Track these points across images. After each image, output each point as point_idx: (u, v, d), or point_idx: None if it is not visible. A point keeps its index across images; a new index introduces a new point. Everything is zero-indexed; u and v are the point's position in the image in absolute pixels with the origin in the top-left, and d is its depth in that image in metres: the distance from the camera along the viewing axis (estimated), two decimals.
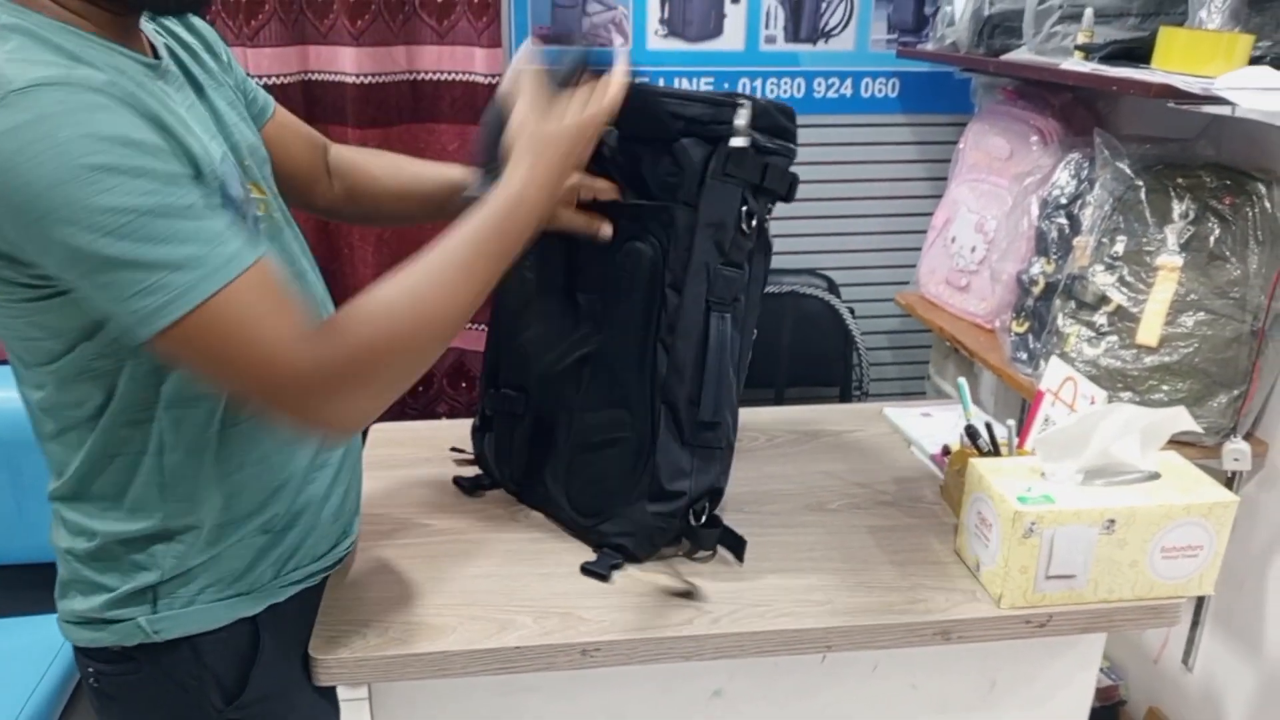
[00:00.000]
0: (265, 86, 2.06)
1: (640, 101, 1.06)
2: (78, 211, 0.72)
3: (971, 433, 1.26)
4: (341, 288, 2.25)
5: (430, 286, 0.87)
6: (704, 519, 1.15)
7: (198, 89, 0.93)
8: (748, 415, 1.60)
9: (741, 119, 1.04)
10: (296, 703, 1.04)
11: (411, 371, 0.88)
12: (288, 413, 0.82)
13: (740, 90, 2.37)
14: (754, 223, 1.09)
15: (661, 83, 2.33)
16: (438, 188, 1.20)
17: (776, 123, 1.08)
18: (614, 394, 1.15)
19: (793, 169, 1.11)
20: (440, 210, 1.18)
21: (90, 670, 1.00)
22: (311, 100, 2.17)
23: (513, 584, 1.13)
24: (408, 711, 1.13)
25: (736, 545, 1.16)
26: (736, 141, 1.05)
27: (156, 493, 0.91)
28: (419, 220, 1.24)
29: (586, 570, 1.14)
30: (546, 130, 0.96)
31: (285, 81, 2.11)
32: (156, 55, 0.90)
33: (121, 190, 0.73)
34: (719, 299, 1.10)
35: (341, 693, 1.13)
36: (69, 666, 1.71)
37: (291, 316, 0.81)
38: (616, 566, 1.15)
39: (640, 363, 1.12)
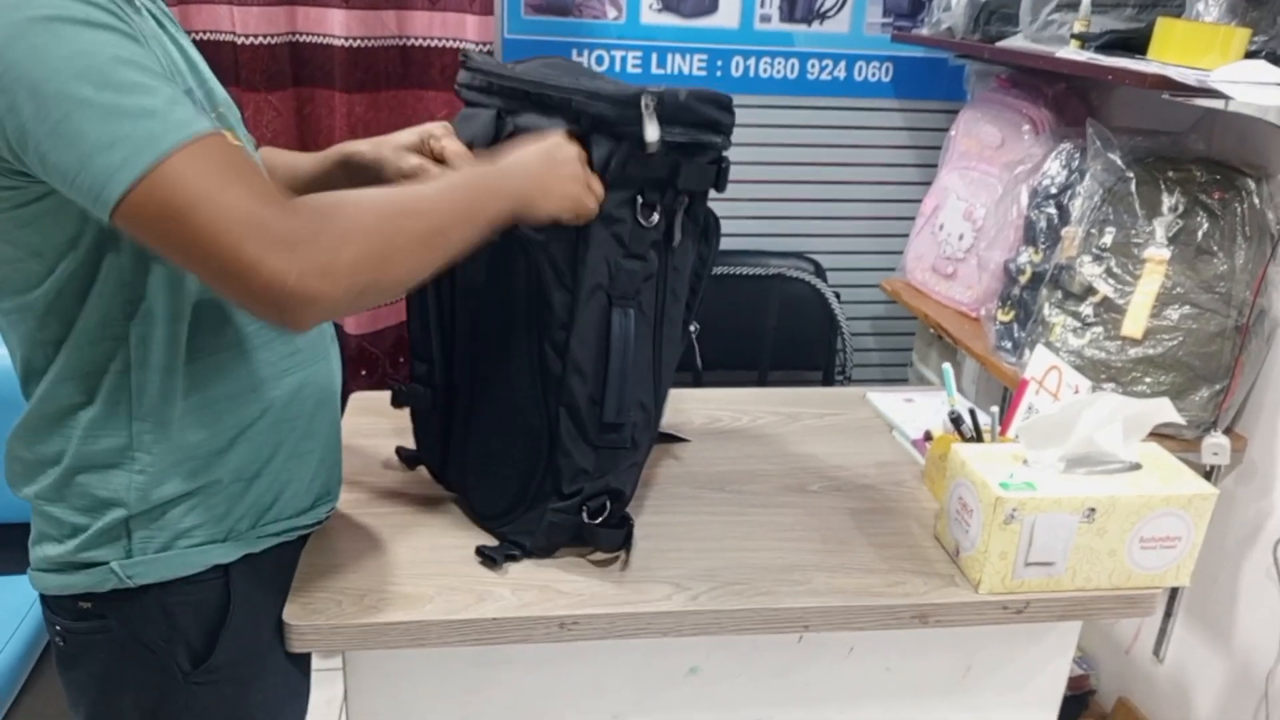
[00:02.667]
0: (251, 47, 2.05)
1: (550, 96, 1.04)
2: (39, 59, 0.72)
3: (955, 418, 1.26)
4: None
5: (394, 191, 0.87)
6: (601, 519, 1.11)
7: (170, 35, 0.91)
8: (731, 394, 1.60)
9: (649, 124, 0.99)
10: (265, 669, 1.03)
11: (373, 245, 0.81)
12: (258, 263, 0.74)
13: (734, 68, 2.35)
14: (654, 216, 1.06)
15: (654, 59, 2.31)
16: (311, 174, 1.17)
17: (701, 115, 1.03)
18: (507, 397, 1.11)
19: (731, 154, 1.08)
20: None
21: (58, 628, 0.98)
22: (299, 62, 2.14)
23: None
24: (382, 681, 1.12)
25: (627, 544, 1.13)
26: (650, 138, 1.00)
27: (124, 412, 0.90)
28: None
29: (481, 553, 1.12)
30: (535, 150, 0.99)
31: (273, 42, 2.08)
32: None
33: (83, 38, 0.73)
34: (621, 294, 1.06)
35: (314, 662, 1.12)
36: (38, 628, 1.69)
37: (260, 177, 0.79)
38: (512, 558, 1.12)
39: (528, 365, 1.08)
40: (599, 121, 1.02)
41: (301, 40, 2.12)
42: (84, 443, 0.91)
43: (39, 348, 0.89)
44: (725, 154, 1.09)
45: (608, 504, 1.11)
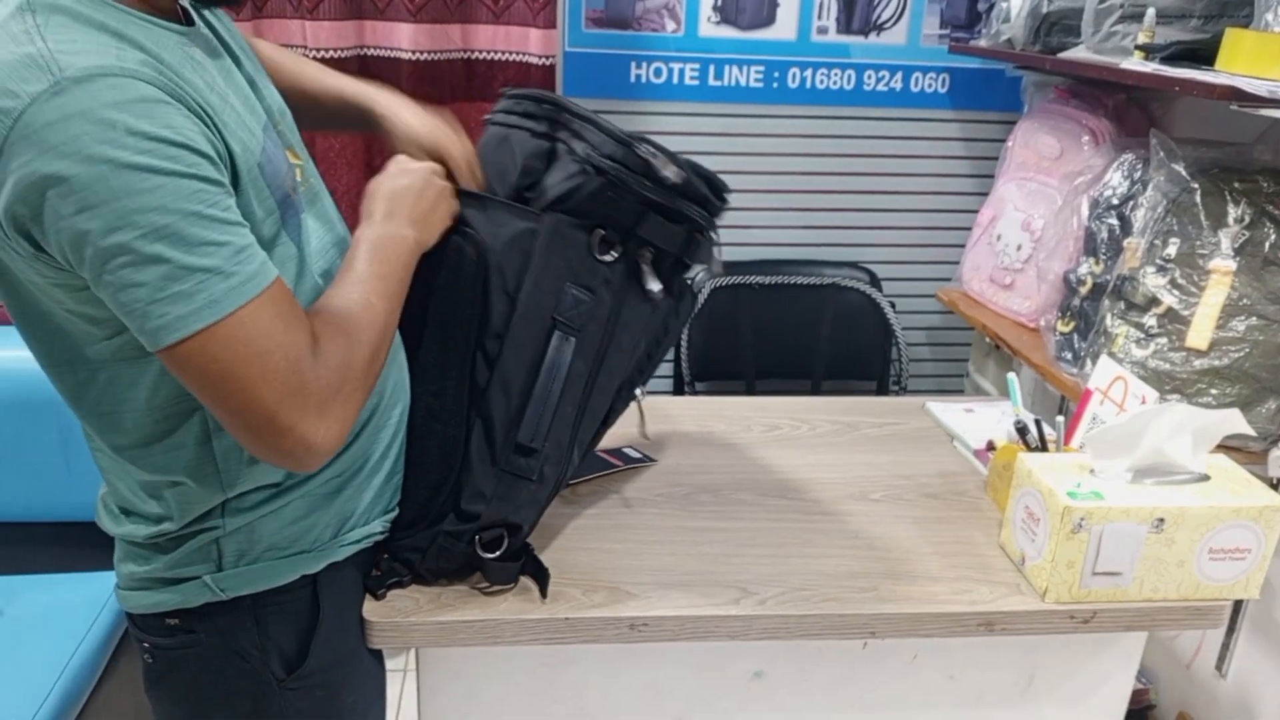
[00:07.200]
0: (321, 60, 2.10)
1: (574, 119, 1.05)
2: (120, 208, 0.73)
3: (1021, 428, 1.26)
4: None
5: (361, 300, 0.91)
6: (498, 552, 1.07)
7: (232, 56, 0.94)
8: (789, 403, 1.61)
9: (666, 171, 1.02)
10: (352, 670, 1.05)
11: (370, 382, 0.91)
12: (291, 429, 0.81)
13: (790, 79, 2.36)
14: (611, 254, 1.05)
15: (712, 71, 2.34)
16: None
17: (690, 187, 1.04)
18: (431, 402, 1.07)
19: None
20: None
21: (146, 645, 1.00)
22: (366, 75, 2.15)
23: (561, 556, 1.15)
24: (452, 681, 1.15)
25: (541, 577, 1.09)
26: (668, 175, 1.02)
27: (214, 482, 0.92)
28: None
29: (366, 588, 1.07)
30: (396, 184, 1.02)
31: (341, 56, 2.13)
32: (189, 20, 0.89)
33: (166, 191, 0.74)
34: (566, 320, 1.04)
35: (385, 662, 1.15)
36: (113, 625, 1.73)
37: (306, 334, 0.83)
38: (397, 584, 1.08)
39: (459, 371, 1.04)
40: (595, 151, 1.03)
41: (370, 54, 2.17)
42: (182, 513, 0.93)
43: (110, 418, 0.90)
44: (709, 232, 1.09)
45: (504, 536, 1.07)
